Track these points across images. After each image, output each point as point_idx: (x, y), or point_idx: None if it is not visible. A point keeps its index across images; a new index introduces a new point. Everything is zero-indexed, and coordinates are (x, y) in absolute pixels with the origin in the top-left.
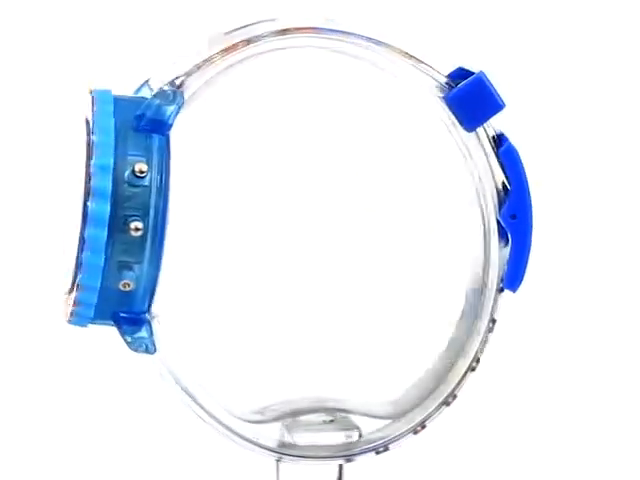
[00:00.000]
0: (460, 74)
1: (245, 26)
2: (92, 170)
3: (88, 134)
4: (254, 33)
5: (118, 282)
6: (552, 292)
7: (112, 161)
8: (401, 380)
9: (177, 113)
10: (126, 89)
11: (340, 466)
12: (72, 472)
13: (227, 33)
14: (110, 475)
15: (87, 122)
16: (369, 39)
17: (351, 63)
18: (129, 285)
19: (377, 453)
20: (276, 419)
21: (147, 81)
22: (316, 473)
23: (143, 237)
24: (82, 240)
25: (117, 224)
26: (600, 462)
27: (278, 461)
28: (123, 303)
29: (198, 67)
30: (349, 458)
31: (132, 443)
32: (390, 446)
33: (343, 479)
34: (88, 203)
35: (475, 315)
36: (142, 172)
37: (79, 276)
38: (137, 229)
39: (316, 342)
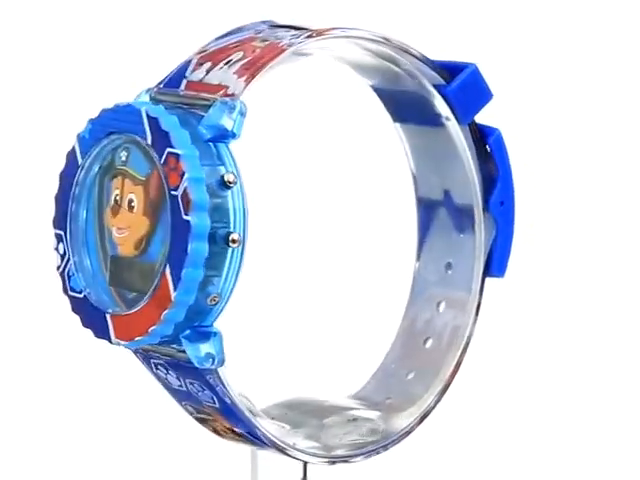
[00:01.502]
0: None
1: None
2: (187, 184)
3: (161, 147)
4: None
5: (207, 297)
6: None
7: (204, 173)
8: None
9: (242, 122)
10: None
11: (305, 464)
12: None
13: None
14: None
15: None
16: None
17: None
18: (216, 299)
19: (377, 453)
20: (297, 425)
21: (149, 90)
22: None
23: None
24: (180, 254)
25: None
26: (599, 458)
27: (281, 450)
28: (200, 318)
29: (245, 72)
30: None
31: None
32: (389, 446)
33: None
34: (187, 217)
35: (461, 307)
36: (230, 182)
37: (174, 292)
38: (234, 241)
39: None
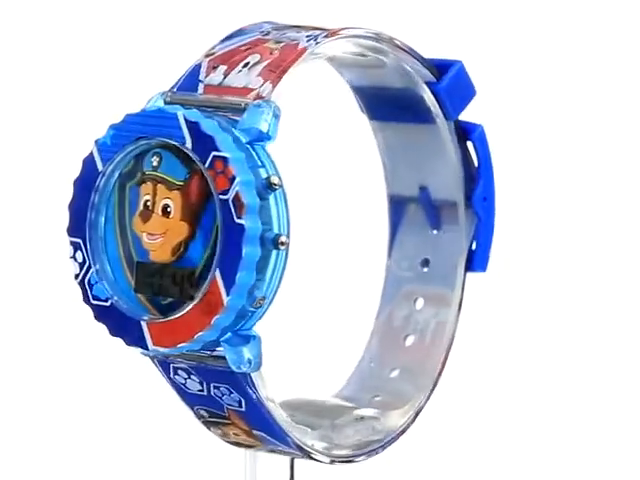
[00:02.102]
0: None
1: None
2: (239, 187)
3: (204, 151)
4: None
5: (253, 300)
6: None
7: (252, 176)
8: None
9: (277, 124)
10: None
11: (292, 460)
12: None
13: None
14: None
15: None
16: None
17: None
18: (261, 302)
19: (376, 452)
20: (312, 427)
21: (163, 93)
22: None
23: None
24: (233, 258)
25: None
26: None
27: (305, 453)
28: (242, 322)
29: (270, 74)
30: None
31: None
32: (387, 445)
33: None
34: (241, 221)
35: (443, 303)
36: (276, 184)
37: (227, 297)
38: (283, 243)
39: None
